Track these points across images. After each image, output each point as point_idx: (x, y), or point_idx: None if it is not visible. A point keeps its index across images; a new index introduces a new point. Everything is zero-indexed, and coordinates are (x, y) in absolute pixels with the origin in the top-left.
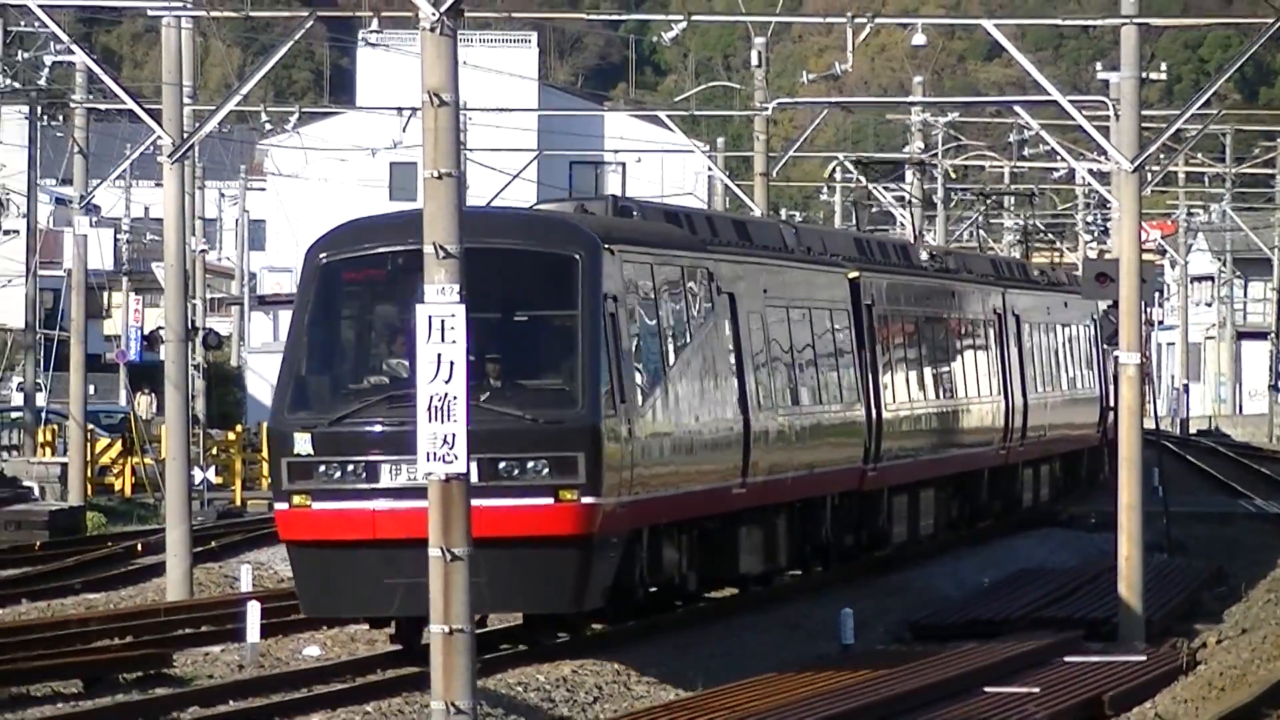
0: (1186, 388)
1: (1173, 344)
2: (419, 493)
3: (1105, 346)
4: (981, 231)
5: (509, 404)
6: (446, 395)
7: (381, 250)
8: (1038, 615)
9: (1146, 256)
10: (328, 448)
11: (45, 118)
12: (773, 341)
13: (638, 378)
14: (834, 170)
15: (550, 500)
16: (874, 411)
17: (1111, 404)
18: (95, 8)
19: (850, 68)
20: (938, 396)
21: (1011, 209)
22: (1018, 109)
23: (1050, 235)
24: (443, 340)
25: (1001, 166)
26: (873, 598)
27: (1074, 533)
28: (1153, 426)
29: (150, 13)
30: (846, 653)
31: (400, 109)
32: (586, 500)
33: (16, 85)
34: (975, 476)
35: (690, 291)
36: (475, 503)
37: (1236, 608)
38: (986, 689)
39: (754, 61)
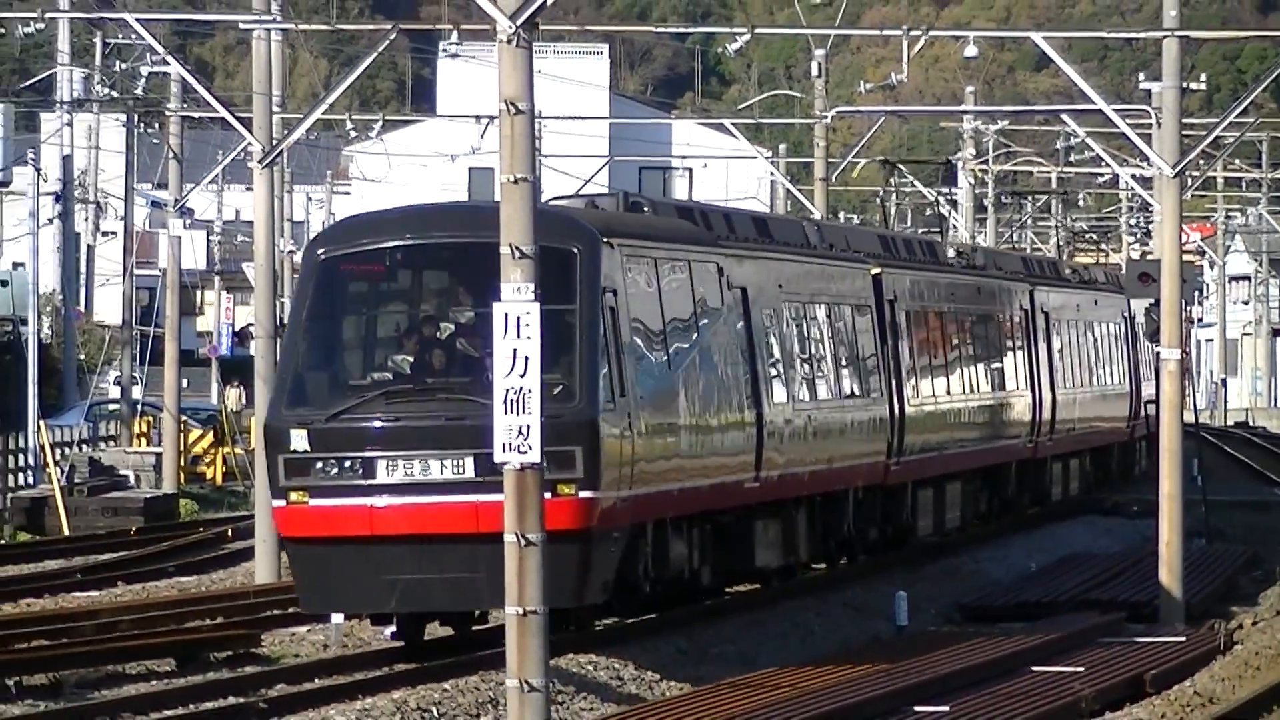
0: (1224, 382)
1: (1211, 340)
2: (415, 489)
3: (1143, 343)
4: (1031, 233)
5: None
6: (522, 389)
7: (380, 246)
8: (1082, 598)
9: (1187, 257)
10: (324, 444)
11: (142, 125)
12: (789, 336)
13: (640, 372)
14: (889, 175)
15: (548, 495)
16: (897, 406)
17: (1144, 399)
18: (189, 21)
19: (905, 78)
20: (963, 391)
21: (1058, 212)
22: (1065, 117)
23: (1094, 236)
24: (519, 336)
25: (1049, 172)
26: (925, 581)
27: (1117, 520)
28: (1192, 419)
29: (241, 26)
30: (901, 633)
31: (479, 117)
32: (584, 495)
33: (115, 94)
34: (1003, 470)
35: (698, 286)
36: (474, 498)
37: (1272, 591)
38: (1034, 668)
39: (814, 72)
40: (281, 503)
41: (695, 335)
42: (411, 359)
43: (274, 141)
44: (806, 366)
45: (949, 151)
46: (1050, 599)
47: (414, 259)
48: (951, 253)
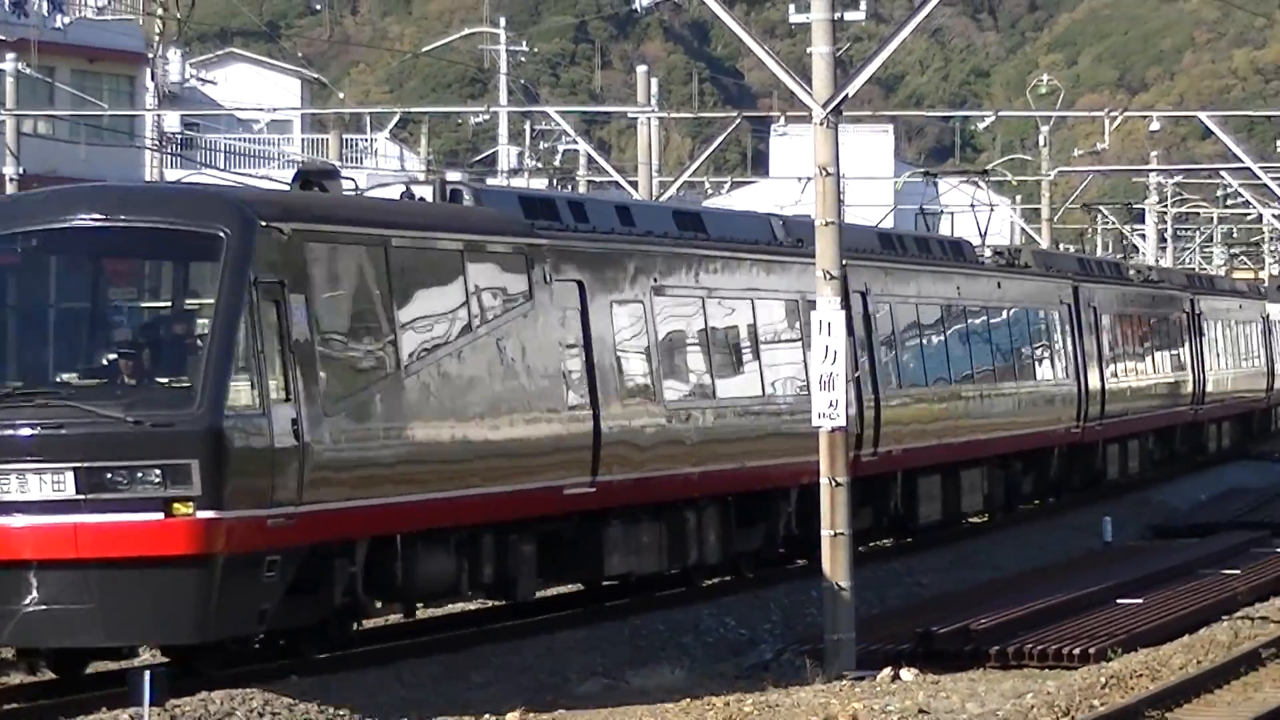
0: None
1: None
2: (10, 508)
3: (1208, 333)
4: (1199, 256)
5: (116, 405)
6: (832, 374)
7: (13, 231)
8: (1239, 520)
9: None
10: None
11: (558, 188)
12: (671, 334)
13: (337, 373)
14: (1094, 216)
15: (161, 515)
16: (870, 399)
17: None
18: (592, 112)
19: (1107, 146)
20: (994, 381)
21: (1219, 240)
22: (1224, 173)
23: (1245, 257)
24: (829, 335)
25: (1212, 212)
26: (1125, 508)
27: (1264, 464)
28: None
29: (629, 115)
30: (1108, 547)
31: (800, 178)
32: (205, 515)
33: (540, 165)
34: (1043, 455)
35: (480, 278)
36: (75, 519)
37: None
38: (1203, 570)
39: (1041, 142)
40: None
41: (467, 331)
42: (23, 359)
43: (656, 198)
44: (704, 364)
45: (1139, 198)
46: (1216, 521)
47: (55, 245)
48: (988, 253)
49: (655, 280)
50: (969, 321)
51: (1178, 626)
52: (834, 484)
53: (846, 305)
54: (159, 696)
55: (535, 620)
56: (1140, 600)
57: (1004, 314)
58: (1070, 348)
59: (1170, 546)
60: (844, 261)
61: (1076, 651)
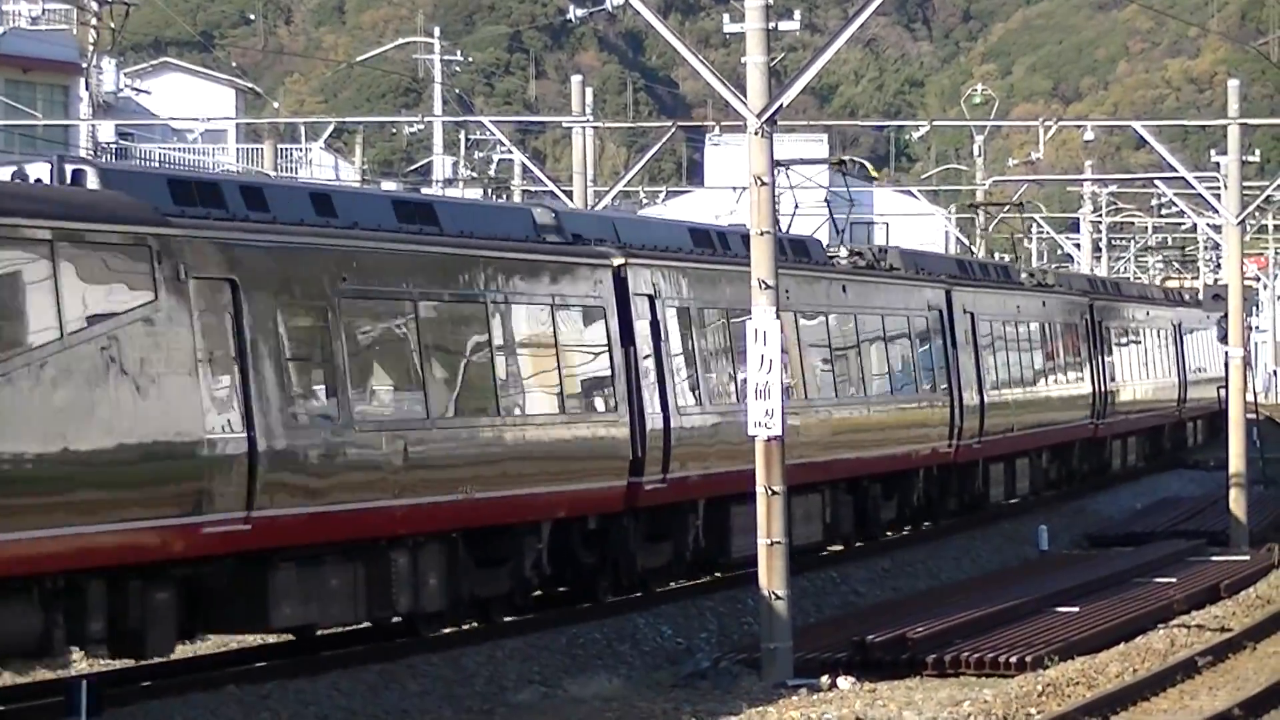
0: (1276, 372)
1: (1266, 342)
2: None
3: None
4: (1134, 265)
5: None
6: (767, 382)
7: None
8: (1174, 529)
9: (1247, 282)
10: None
11: (494, 197)
12: (369, 343)
13: None
14: (1029, 225)
15: None
16: (642, 419)
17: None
18: (527, 121)
19: (1041, 155)
20: (834, 395)
21: (1151, 242)
22: (1158, 182)
23: (1179, 266)
24: (764, 344)
25: (1146, 220)
26: (1061, 517)
27: (1199, 472)
28: (1252, 399)
29: (565, 124)
30: (1043, 556)
31: (735, 188)
32: None
33: (475, 174)
34: (908, 477)
35: (66, 273)
36: None
37: None
38: (1139, 579)
39: (976, 152)
40: None
41: (55, 338)
42: None
43: (591, 208)
44: (415, 379)
45: (1073, 208)
46: (1151, 530)
47: None
48: (843, 254)
49: (345, 281)
50: (800, 329)
51: (1114, 635)
52: (770, 492)
53: (624, 309)
54: (96, 706)
55: (474, 629)
56: (1076, 609)
57: (850, 322)
58: (941, 358)
59: (1106, 555)
60: (625, 260)
61: (1013, 660)
